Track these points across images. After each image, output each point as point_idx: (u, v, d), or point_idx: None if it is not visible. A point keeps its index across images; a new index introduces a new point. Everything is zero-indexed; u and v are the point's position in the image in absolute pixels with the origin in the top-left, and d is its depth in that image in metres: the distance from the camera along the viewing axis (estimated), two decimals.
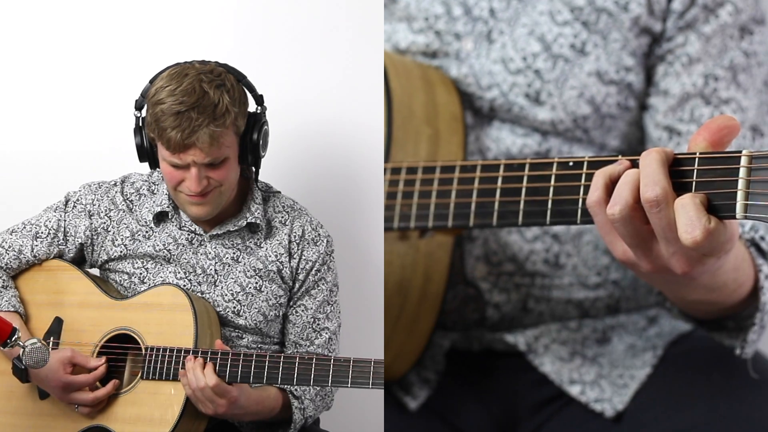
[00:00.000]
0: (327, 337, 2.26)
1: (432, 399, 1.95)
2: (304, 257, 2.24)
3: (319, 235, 2.27)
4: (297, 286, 2.25)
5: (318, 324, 2.26)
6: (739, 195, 1.37)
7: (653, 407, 1.85)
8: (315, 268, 2.25)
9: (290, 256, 2.24)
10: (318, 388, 2.21)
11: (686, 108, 1.89)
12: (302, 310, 2.25)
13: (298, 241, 2.25)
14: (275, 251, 2.23)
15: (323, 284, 2.26)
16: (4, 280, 2.21)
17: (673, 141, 1.90)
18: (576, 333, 1.96)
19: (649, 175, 1.40)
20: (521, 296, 1.94)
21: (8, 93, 2.75)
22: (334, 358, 2.03)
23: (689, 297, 1.70)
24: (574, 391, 1.90)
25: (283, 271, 2.23)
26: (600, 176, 1.47)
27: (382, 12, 2.15)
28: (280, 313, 2.25)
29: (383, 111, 1.86)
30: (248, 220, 2.22)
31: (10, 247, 2.22)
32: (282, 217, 2.27)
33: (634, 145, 1.97)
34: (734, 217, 1.38)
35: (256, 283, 2.21)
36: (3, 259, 2.22)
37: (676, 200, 1.39)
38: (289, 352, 2.26)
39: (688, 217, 1.36)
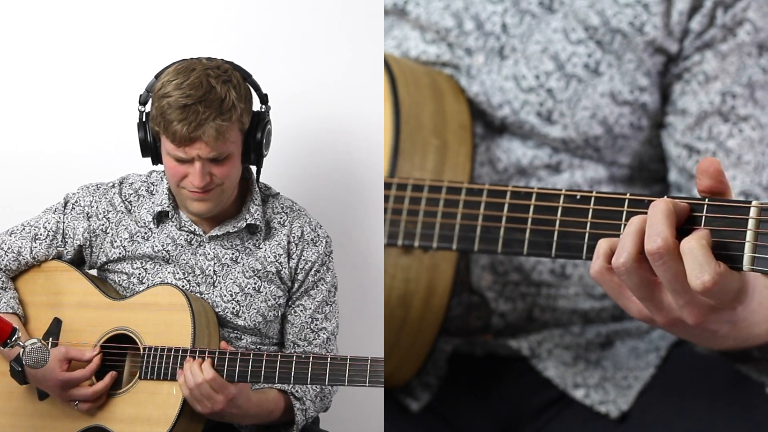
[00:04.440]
0: (325, 337, 2.26)
1: (434, 402, 1.95)
2: (303, 258, 2.24)
3: (318, 235, 2.26)
4: (296, 286, 2.25)
5: (316, 324, 2.26)
6: (747, 246, 1.35)
7: (657, 407, 1.85)
8: (314, 269, 2.25)
9: (289, 256, 2.23)
10: (318, 389, 2.21)
11: (704, 126, 1.87)
12: (301, 311, 2.25)
13: (297, 242, 2.24)
14: (274, 252, 2.23)
15: (322, 285, 2.26)
16: (3, 281, 2.21)
17: (692, 159, 1.88)
18: (579, 338, 1.96)
19: (652, 226, 1.37)
20: (527, 306, 1.94)
21: (8, 93, 2.74)
22: (330, 357, 2.03)
23: (719, 347, 1.70)
24: (578, 394, 1.90)
25: (282, 272, 2.22)
26: (603, 246, 1.44)
27: (382, 9, 2.12)
28: (279, 314, 2.25)
29: (385, 112, 1.84)
30: (248, 222, 2.21)
31: (9, 248, 2.22)
32: (281, 217, 2.26)
33: (646, 162, 1.95)
34: (741, 269, 1.35)
35: (255, 283, 2.21)
36: (2, 260, 2.22)
37: (682, 242, 1.36)
38: (287, 352, 2.25)
39: (696, 261, 1.34)
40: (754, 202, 1.36)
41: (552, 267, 1.92)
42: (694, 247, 1.34)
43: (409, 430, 1.93)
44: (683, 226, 1.39)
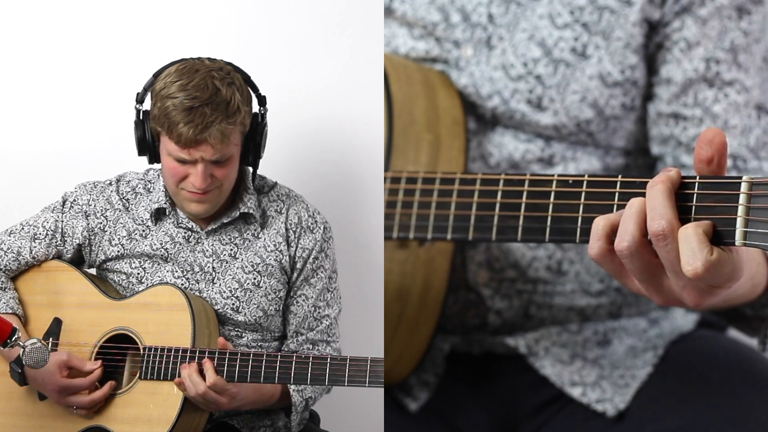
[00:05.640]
0: (327, 323, 2.27)
1: (432, 400, 1.95)
2: (300, 245, 2.24)
3: (315, 222, 2.27)
4: (295, 275, 2.25)
5: (319, 312, 2.26)
6: (739, 222, 1.35)
7: (654, 405, 1.84)
8: (312, 256, 2.25)
9: (288, 244, 2.24)
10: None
11: (690, 93, 1.87)
12: (303, 300, 2.26)
13: (294, 229, 2.25)
14: (273, 241, 2.23)
15: (322, 272, 2.27)
16: (2, 281, 2.21)
17: (679, 126, 1.88)
18: (576, 336, 1.96)
19: (655, 208, 1.37)
20: (523, 303, 1.93)
21: (7, 93, 2.74)
22: (330, 357, 2.04)
23: (703, 308, 1.69)
24: (575, 392, 1.90)
25: (282, 261, 2.23)
26: (602, 225, 1.44)
27: (382, 11, 2.13)
28: (280, 307, 2.25)
29: (384, 111, 1.85)
30: (241, 210, 2.21)
31: (8, 249, 2.22)
32: (277, 205, 2.27)
33: (642, 142, 1.95)
34: (734, 244, 1.36)
35: (255, 278, 2.21)
36: (2, 261, 2.22)
37: (679, 230, 1.36)
38: (289, 342, 2.27)
39: (690, 248, 1.34)
40: (744, 177, 1.36)
41: (548, 264, 1.92)
42: (690, 234, 1.35)
43: (408, 430, 1.93)
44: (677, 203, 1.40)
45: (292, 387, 2.19)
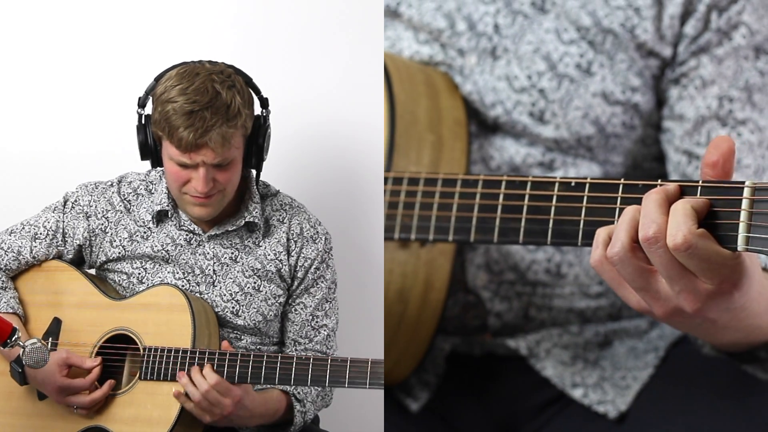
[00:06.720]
0: (326, 334, 2.27)
1: (432, 401, 1.95)
2: (302, 255, 2.24)
3: (317, 232, 2.27)
4: (296, 284, 2.25)
5: (317, 321, 2.26)
6: (741, 227, 1.35)
7: (656, 407, 1.84)
8: (314, 266, 2.25)
9: (288, 254, 2.23)
10: (319, 389, 2.21)
11: (702, 131, 1.87)
12: (301, 308, 2.26)
13: (296, 239, 2.24)
14: (274, 249, 2.23)
15: (322, 282, 2.27)
16: (3, 281, 2.21)
17: (692, 165, 1.88)
18: (577, 337, 1.96)
19: (647, 215, 1.39)
20: (522, 305, 1.94)
21: (8, 93, 2.74)
22: (331, 358, 2.04)
23: (722, 341, 1.68)
24: (576, 394, 1.90)
25: (282, 270, 2.23)
26: (601, 235, 1.45)
27: (382, 12, 2.13)
28: (279, 313, 2.25)
29: (384, 113, 1.84)
30: (246, 220, 2.21)
31: (9, 248, 2.22)
32: (280, 215, 2.26)
33: (639, 161, 1.95)
34: (736, 249, 1.36)
35: (255, 283, 2.21)
36: (2, 260, 2.22)
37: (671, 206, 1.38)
38: (288, 350, 2.26)
39: (675, 221, 1.35)
40: (747, 182, 1.36)
41: (547, 266, 1.93)
42: (678, 209, 1.36)
43: (408, 430, 1.92)
44: None
45: (297, 408, 2.18)
